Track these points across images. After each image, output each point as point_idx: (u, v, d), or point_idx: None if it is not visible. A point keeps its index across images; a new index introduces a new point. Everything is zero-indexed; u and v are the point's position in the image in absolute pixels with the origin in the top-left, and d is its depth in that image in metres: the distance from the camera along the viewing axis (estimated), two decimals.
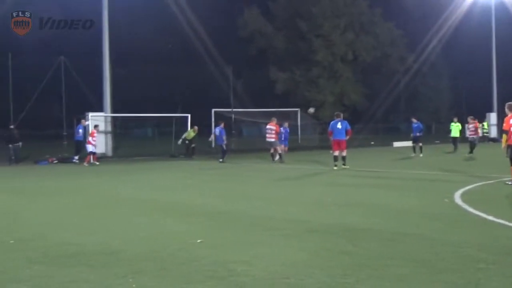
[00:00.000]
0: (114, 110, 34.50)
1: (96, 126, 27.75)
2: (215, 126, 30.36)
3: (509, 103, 14.81)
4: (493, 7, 51.99)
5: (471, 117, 30.06)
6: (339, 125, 20.89)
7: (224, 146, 27.20)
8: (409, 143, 37.13)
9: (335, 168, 20.46)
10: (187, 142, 31.10)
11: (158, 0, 43.32)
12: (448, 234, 8.22)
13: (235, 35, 61.13)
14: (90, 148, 26.47)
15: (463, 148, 29.83)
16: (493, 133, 49.51)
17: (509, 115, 14.49)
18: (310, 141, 40.55)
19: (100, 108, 32.83)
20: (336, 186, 15.45)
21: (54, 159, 28.43)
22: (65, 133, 31.68)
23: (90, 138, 26.59)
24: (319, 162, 24.77)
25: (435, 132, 58.47)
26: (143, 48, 59.12)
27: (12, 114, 31.44)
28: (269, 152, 26.78)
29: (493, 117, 50.56)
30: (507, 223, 8.85)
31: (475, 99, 61.59)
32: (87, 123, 29.24)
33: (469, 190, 13.48)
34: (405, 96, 68.22)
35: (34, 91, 33.30)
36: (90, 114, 31.01)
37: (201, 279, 6.14)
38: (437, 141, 41.17)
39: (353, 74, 62.14)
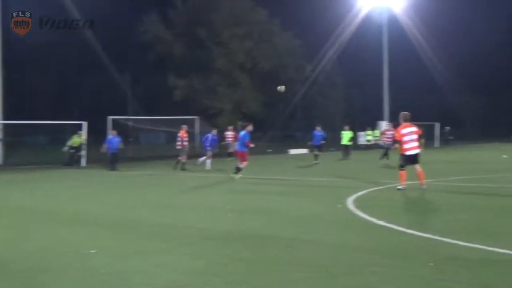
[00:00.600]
0: (5, 117, 33.14)
1: None
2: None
3: (403, 113, 15.49)
4: (385, 21, 54.14)
5: (387, 123, 30.08)
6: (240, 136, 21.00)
7: (111, 155, 26.54)
8: (304, 151, 37.94)
9: (237, 177, 20.45)
10: (72, 150, 30.34)
11: (55, 3, 41.94)
12: (343, 239, 8.46)
13: (134, 41, 60.36)
14: None
15: (357, 155, 30.77)
16: None
17: (402, 125, 15.15)
18: None
19: None
20: (235, 194, 15.54)
21: None
22: None
23: None
24: (219, 170, 24.83)
25: (330, 140, 60.04)
26: (40, 53, 57.23)
27: None
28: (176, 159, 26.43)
29: (384, 125, 52.51)
30: (397, 227, 9.21)
31: (367, 108, 63.93)
32: None
33: (361, 196, 13.92)
34: (302, 105, 69.71)
35: None
36: None
37: None
38: (332, 149, 42.25)
39: (251, 82, 62.76)
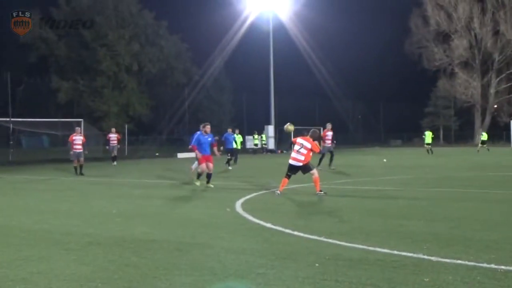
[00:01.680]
0: None
1: None
2: None
3: (313, 129, 15.79)
4: (271, 27, 55.19)
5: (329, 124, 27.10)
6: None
7: None
8: (193, 154, 37.81)
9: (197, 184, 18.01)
10: None
11: None
12: (231, 242, 8.50)
13: (14, 40, 57.84)
14: None
15: (245, 159, 30.99)
16: (271, 144, 52.40)
17: (303, 136, 15.40)
18: (95, 152, 39.54)
19: None
20: (122, 198, 15.26)
21: None
22: None
23: None
24: (106, 175, 24.32)
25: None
26: None
27: None
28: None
29: (271, 129, 53.45)
30: (284, 229, 9.39)
31: (255, 113, 64.86)
32: None
33: (249, 199, 14.10)
34: (190, 109, 69.66)
35: None
36: None
37: None
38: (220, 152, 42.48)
39: (138, 85, 62.02)
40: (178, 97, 62.29)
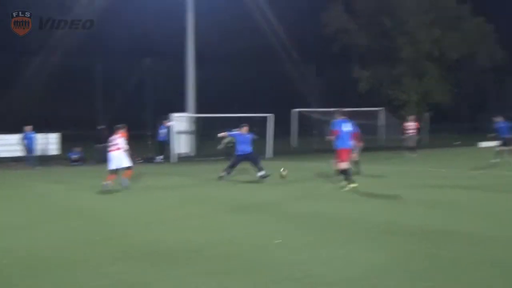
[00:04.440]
0: (197, 111, 34.93)
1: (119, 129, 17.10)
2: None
3: None
4: None
5: None
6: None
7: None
8: (495, 143, 35.76)
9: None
10: (230, 145, 30.44)
11: None
12: None
13: (317, 33, 60.74)
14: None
15: None
16: None
17: None
18: (393, 141, 39.42)
19: (183, 109, 33.34)
20: (418, 188, 15.06)
21: (139, 158, 29.03)
22: (149, 134, 32.40)
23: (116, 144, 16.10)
24: (405, 163, 24.30)
25: None
26: (223, 48, 59.71)
27: (99, 116, 32.73)
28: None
29: None
30: None
31: None
32: (170, 123, 29.88)
33: None
34: (494, 94, 65.87)
35: (120, 93, 34.32)
36: (174, 114, 31.50)
37: (277, 280, 6.15)
38: None
39: (438, 71, 60.64)
40: (481, 83, 59.42)
